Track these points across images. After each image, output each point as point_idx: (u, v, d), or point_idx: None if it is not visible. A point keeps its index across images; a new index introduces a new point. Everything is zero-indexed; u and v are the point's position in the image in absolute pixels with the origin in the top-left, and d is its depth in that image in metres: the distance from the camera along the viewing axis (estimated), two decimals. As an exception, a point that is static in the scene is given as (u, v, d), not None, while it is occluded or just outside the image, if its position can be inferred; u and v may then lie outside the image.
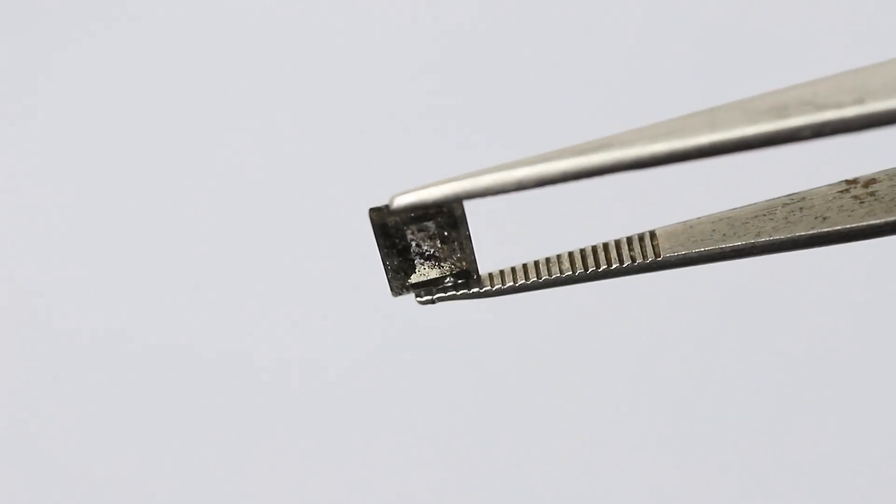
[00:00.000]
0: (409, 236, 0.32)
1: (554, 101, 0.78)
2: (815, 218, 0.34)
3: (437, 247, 0.33)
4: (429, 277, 0.33)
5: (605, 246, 0.34)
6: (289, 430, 0.76)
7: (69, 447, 0.76)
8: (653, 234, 0.34)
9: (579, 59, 0.79)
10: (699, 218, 0.34)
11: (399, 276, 0.33)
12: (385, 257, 0.33)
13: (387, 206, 0.32)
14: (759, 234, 0.34)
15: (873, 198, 0.34)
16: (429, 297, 0.34)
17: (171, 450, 0.76)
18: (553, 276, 0.34)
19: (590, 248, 0.34)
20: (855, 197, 0.34)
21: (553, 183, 0.30)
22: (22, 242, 0.79)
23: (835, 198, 0.34)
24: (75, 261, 0.79)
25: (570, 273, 0.34)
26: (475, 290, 0.33)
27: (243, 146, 0.80)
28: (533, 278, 0.34)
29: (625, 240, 0.34)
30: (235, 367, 0.77)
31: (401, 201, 0.31)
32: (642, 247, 0.34)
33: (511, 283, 0.34)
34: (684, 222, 0.34)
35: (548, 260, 0.34)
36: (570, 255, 0.34)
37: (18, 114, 0.82)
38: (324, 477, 0.75)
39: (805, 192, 0.35)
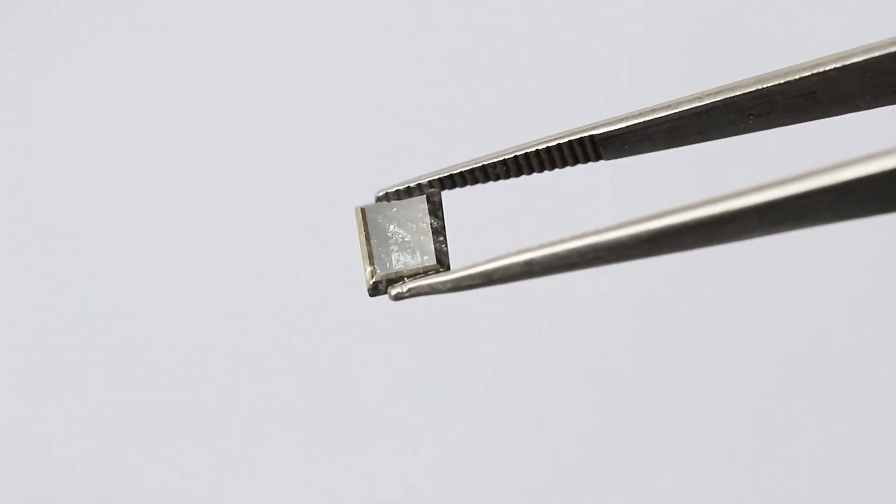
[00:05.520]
0: (389, 227, 0.34)
1: (536, 99, 0.79)
2: None
3: (414, 234, 0.34)
4: (404, 271, 0.34)
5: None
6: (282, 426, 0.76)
7: None
8: None
9: (563, 56, 0.79)
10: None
11: (378, 271, 0.34)
12: (365, 249, 0.34)
13: (364, 207, 0.34)
14: None
15: None
16: (400, 290, 0.33)
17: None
18: (522, 270, 0.33)
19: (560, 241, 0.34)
20: None
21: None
22: None
23: None
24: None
25: (540, 267, 0.33)
26: (446, 279, 0.33)
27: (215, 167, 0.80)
28: (503, 270, 0.33)
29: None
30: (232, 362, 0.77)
31: (382, 192, 0.34)
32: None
33: (481, 273, 0.33)
34: None
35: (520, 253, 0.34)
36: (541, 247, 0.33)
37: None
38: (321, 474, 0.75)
39: None
